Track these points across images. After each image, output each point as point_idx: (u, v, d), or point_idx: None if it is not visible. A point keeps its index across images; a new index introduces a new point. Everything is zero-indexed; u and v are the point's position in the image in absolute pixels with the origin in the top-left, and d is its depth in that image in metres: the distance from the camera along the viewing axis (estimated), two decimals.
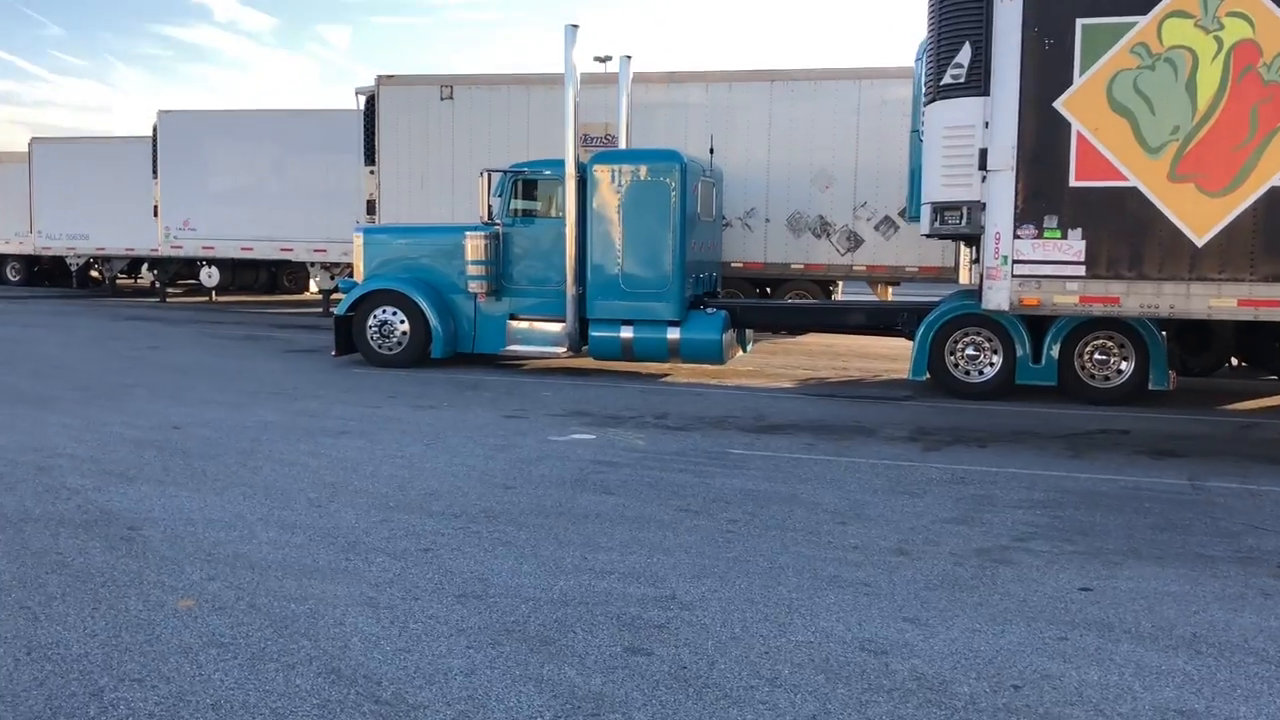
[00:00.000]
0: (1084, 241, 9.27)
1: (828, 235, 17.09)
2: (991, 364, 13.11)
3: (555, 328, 14.70)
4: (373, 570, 5.82)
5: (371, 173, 19.53)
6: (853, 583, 5.77)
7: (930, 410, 12.10)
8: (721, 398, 12.87)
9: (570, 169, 14.18)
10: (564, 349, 14.63)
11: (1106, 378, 12.75)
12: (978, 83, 9.62)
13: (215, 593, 5.39)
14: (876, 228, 16.91)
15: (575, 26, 14.29)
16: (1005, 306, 9.42)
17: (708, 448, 9.64)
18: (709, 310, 14.41)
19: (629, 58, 16.38)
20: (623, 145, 16.32)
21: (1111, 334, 12.58)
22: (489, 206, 14.61)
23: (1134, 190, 9.23)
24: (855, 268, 17.20)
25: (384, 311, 15.04)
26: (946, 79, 9.78)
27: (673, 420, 11.11)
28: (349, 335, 15.25)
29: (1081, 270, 9.31)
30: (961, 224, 9.77)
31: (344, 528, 6.66)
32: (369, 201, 19.64)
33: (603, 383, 13.88)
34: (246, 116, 24.49)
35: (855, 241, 16.99)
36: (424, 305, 14.82)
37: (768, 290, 18.90)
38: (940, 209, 9.91)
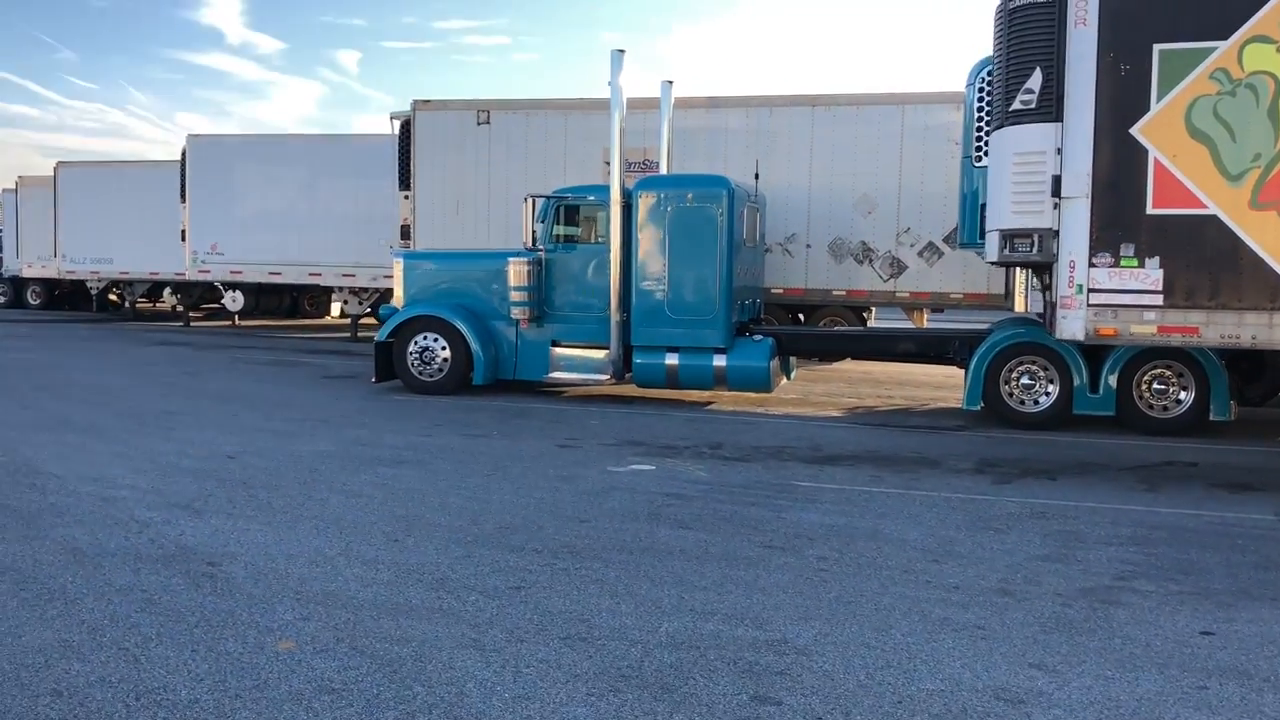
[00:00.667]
0: (1161, 270, 9.09)
1: (870, 261, 16.92)
2: (1047, 393, 12.90)
3: (599, 354, 14.52)
4: (468, 609, 5.62)
5: (406, 198, 19.44)
6: (965, 626, 5.55)
7: (988, 441, 11.88)
8: (773, 427, 12.67)
9: (616, 195, 14.04)
10: (608, 376, 14.45)
11: (1165, 407, 12.53)
12: (1049, 108, 9.46)
13: (313, 633, 5.20)
14: (920, 254, 16.75)
15: (622, 51, 14.20)
16: (1080, 336, 9.23)
17: (772, 480, 9.44)
18: (755, 337, 14.23)
19: (670, 83, 16.30)
20: (663, 170, 16.22)
21: (1170, 363, 12.37)
22: (533, 232, 14.46)
23: (1214, 218, 9.05)
24: (898, 294, 17.02)
25: (425, 338, 14.89)
26: (1016, 104, 9.63)
27: (729, 450, 10.91)
28: (389, 361, 15.08)
29: (1159, 300, 9.12)
30: (1032, 251, 9.59)
31: (428, 564, 6.47)
32: (403, 226, 19.55)
33: (648, 411, 13.70)
34: (276, 141, 24.49)
35: (898, 267, 16.82)
36: (466, 331, 14.67)
37: (800, 317, 18.72)
38: (1009, 236, 9.73)
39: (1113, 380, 12.51)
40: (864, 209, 16.89)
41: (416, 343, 14.92)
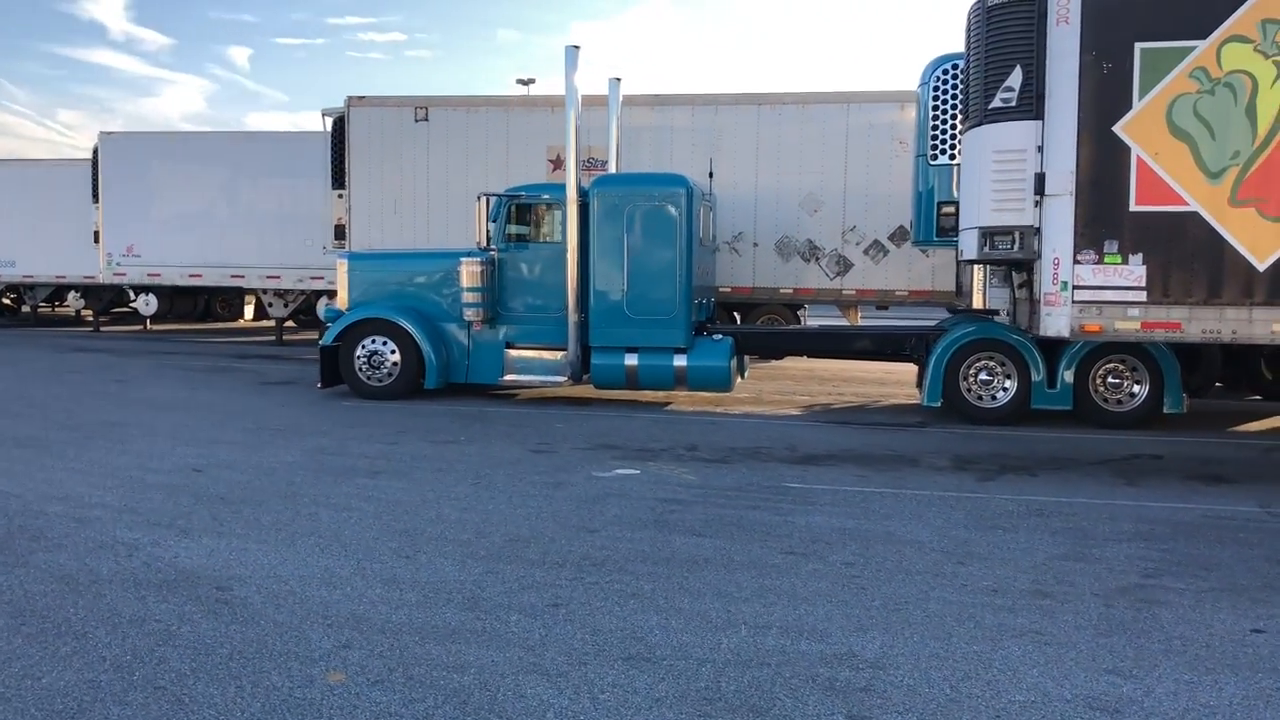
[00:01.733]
0: (1145, 267, 9.21)
1: (816, 259, 16.95)
2: (1005, 389, 13.06)
3: (555, 356, 14.26)
4: (514, 630, 5.36)
5: (340, 196, 18.86)
6: (1022, 631, 5.48)
7: (954, 437, 11.96)
8: (740, 427, 12.57)
9: (572, 193, 13.79)
10: (565, 378, 14.20)
11: (1120, 401, 12.78)
12: (1029, 106, 9.51)
13: (361, 663, 4.88)
14: (866, 251, 16.83)
15: (577, 48, 13.94)
16: (1066, 333, 9.30)
17: (761, 482, 9.32)
18: (715, 337, 14.12)
19: (618, 80, 16.09)
20: (612, 169, 16.01)
21: (1125, 357, 12.61)
22: (486, 232, 14.13)
23: (1195, 215, 9.20)
24: (845, 292, 17.09)
25: (373, 341, 14.45)
26: (996, 102, 9.66)
27: (706, 452, 10.77)
28: (335, 366, 14.59)
29: (1143, 296, 9.25)
30: (1013, 249, 9.63)
31: (451, 581, 6.17)
32: (338, 226, 18.97)
33: (609, 412, 13.48)
34: (195, 139, 23.62)
35: (844, 265, 16.88)
36: (417, 334, 14.27)
37: (735, 315, 18.68)
38: (989, 233, 9.76)
39: (1069, 375, 12.71)
40: (810, 207, 16.90)
41: (364, 346, 14.47)
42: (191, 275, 23.18)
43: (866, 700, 4.56)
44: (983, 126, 9.81)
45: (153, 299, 25.53)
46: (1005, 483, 9.50)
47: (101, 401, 13.91)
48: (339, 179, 18.93)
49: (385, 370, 14.42)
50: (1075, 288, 9.22)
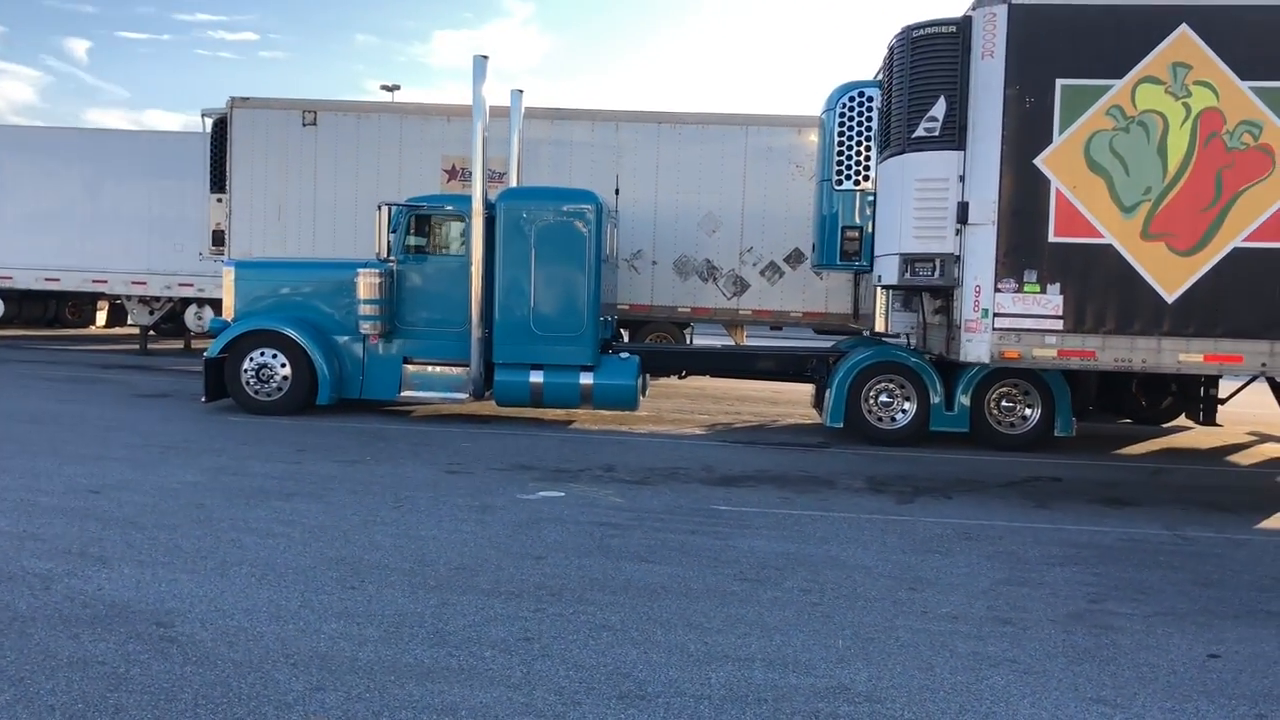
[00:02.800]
0: (1062, 297, 9.51)
1: (714, 279, 17.03)
2: (904, 411, 13.33)
3: (457, 372, 13.91)
4: (493, 668, 5.11)
5: (220, 200, 18.03)
6: (999, 660, 5.52)
7: (861, 458, 12.13)
8: (650, 446, 12.48)
9: (478, 205, 13.50)
10: (467, 395, 13.86)
11: (1012, 424, 13.20)
12: (952, 136, 9.73)
13: (341, 707, 4.56)
14: (762, 273, 16.99)
15: (485, 58, 13.66)
16: (986, 359, 9.52)
17: (689, 505, 9.24)
18: (622, 355, 14.01)
19: (521, 91, 15.86)
20: (512, 182, 15.75)
21: (1017, 381, 13.05)
22: (387, 243, 13.70)
23: (1109, 248, 9.55)
24: (741, 311, 17.21)
25: (262, 354, 13.83)
26: (920, 131, 9.85)
27: (624, 473, 10.64)
28: (220, 379, 13.91)
29: (1059, 325, 9.53)
30: (934, 275, 9.82)
31: (409, 614, 5.87)
32: (216, 232, 18.14)
33: (513, 430, 13.22)
34: (53, 134, 22.28)
35: (741, 286, 17.01)
36: (309, 347, 13.73)
37: (623, 333, 18.62)
38: (910, 260, 9.93)
39: (966, 399, 13.07)
40: (708, 227, 16.98)
41: (252, 359, 13.83)
42: (48, 279, 21.82)
43: None
44: (905, 155, 9.99)
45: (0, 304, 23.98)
46: (924, 505, 9.65)
47: None
48: (218, 182, 18.11)
49: (274, 384, 13.81)
50: (996, 315, 9.46)
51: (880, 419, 13.39)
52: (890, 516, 9.12)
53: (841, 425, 13.26)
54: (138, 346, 22.20)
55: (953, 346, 9.82)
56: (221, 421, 12.98)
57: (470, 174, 17.19)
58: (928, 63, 9.80)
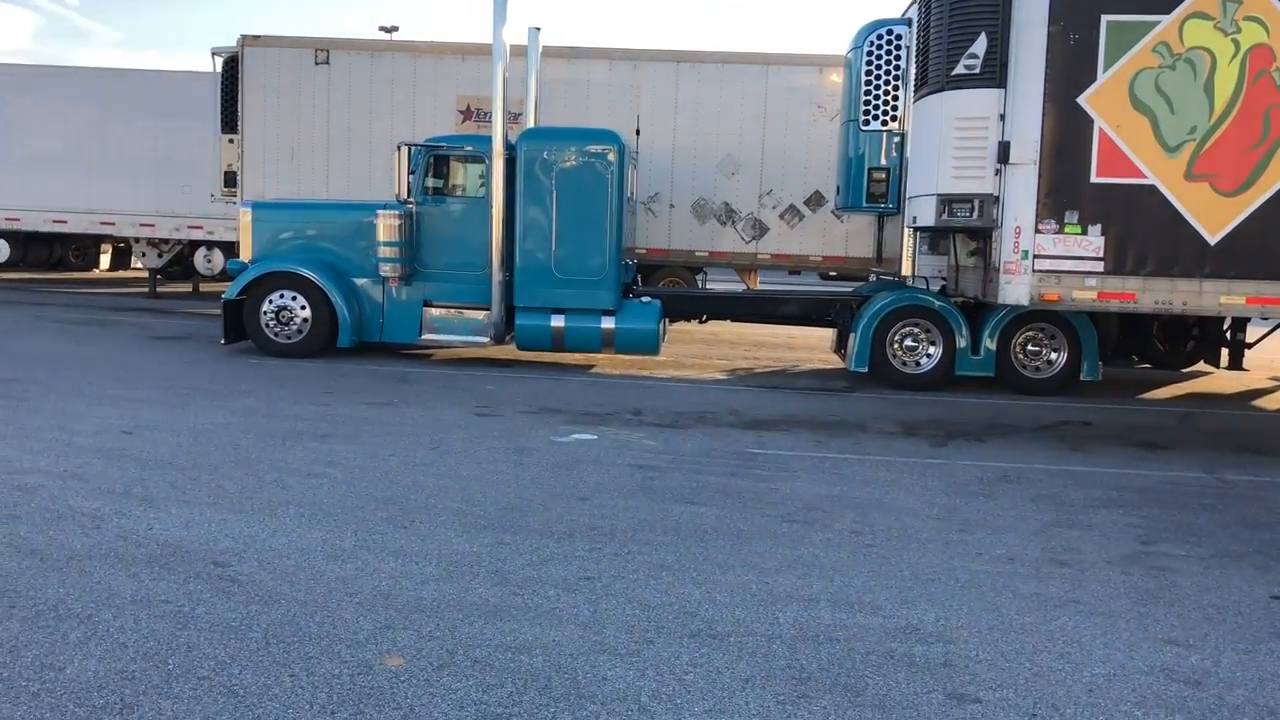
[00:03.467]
0: (1103, 238, 9.38)
1: (733, 223, 16.85)
2: (929, 355, 13.25)
3: (478, 315, 13.79)
4: (560, 606, 5.06)
5: (231, 141, 17.78)
6: (1063, 601, 5.49)
7: (889, 402, 12.07)
8: (676, 391, 12.42)
9: (499, 146, 13.27)
10: (488, 338, 13.74)
11: (1037, 368, 13.13)
12: (993, 74, 9.54)
13: (415, 646, 4.52)
14: (781, 216, 16.81)
15: None
16: (1025, 301, 9.42)
17: (724, 448, 9.17)
18: (644, 299, 13.88)
19: (538, 29, 15.56)
20: (529, 122, 15.50)
21: (1044, 325, 12.96)
22: (407, 184, 13.52)
23: (1152, 188, 9.40)
24: (760, 255, 17.05)
25: (282, 296, 13.70)
26: (960, 69, 9.66)
27: (653, 417, 10.57)
28: (239, 321, 13.79)
29: (1100, 266, 9.41)
30: (972, 216, 9.68)
31: (465, 553, 5.81)
32: (228, 173, 17.89)
33: (535, 375, 13.13)
34: (60, 73, 21.90)
35: (760, 230, 16.83)
36: (330, 289, 13.60)
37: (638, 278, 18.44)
38: (948, 201, 9.79)
39: (992, 343, 12.99)
40: (727, 170, 16.77)
41: (272, 301, 13.71)
42: (55, 221, 21.59)
43: (954, 676, 4.45)
44: (943, 93, 9.81)
45: (4, 246, 23.75)
46: (958, 449, 9.60)
47: None
48: (229, 123, 17.83)
49: (294, 327, 13.70)
50: (1036, 256, 9.33)
51: (905, 363, 13.32)
52: (927, 460, 9.07)
53: (866, 370, 13.17)
54: (147, 290, 22.01)
55: (990, 289, 9.71)
56: (243, 364, 12.88)
57: (486, 114, 17.01)
58: None
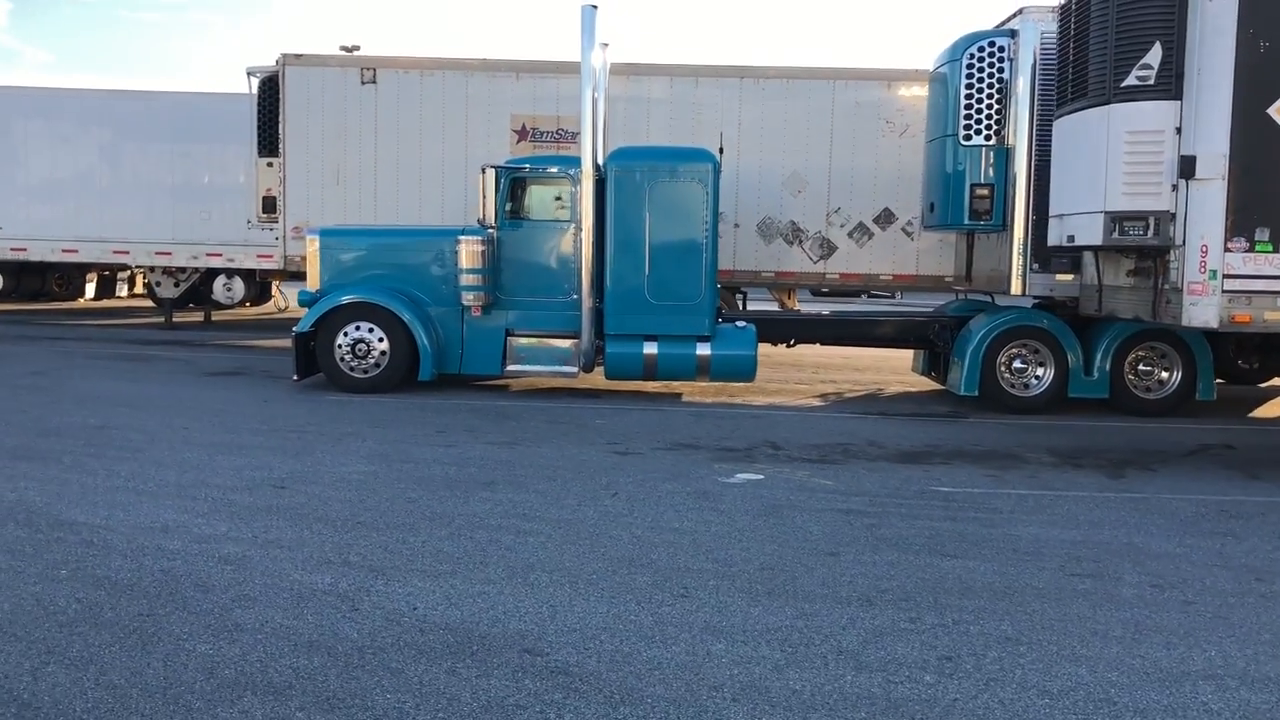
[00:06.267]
0: None
1: (800, 242, 16.31)
2: (1037, 377, 12.81)
3: (564, 344, 13.10)
4: (959, 698, 4.42)
5: (270, 165, 16.90)
6: None
7: (1012, 428, 11.61)
8: (789, 420, 11.87)
9: (588, 167, 12.62)
10: (577, 368, 13.04)
11: (1148, 388, 12.74)
12: (1168, 85, 9.08)
13: None
14: (850, 234, 16.29)
15: (594, 7, 12.73)
16: (1214, 323, 8.95)
17: (903, 487, 8.60)
18: (739, 324, 13.27)
19: (605, 46, 14.91)
20: (594, 143, 14.81)
21: (1155, 344, 12.58)
22: (495, 209, 12.83)
23: None
24: (828, 275, 16.52)
25: (358, 328, 12.91)
26: (1131, 80, 9.19)
27: (793, 450, 10.00)
28: (309, 355, 12.98)
29: None
30: (1147, 235, 9.21)
31: (781, 627, 5.17)
32: (267, 198, 17.00)
33: (628, 405, 12.49)
34: (69, 96, 20.79)
35: (828, 249, 16.30)
36: (409, 320, 12.82)
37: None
38: (1119, 219, 9.31)
39: (1107, 363, 12.57)
40: (794, 188, 16.23)
41: (347, 334, 12.91)
42: (65, 250, 20.48)
43: None
44: (1110, 106, 9.34)
45: None
46: (1139, 480, 9.13)
47: (39, 397, 11.83)
48: (268, 145, 16.95)
49: (372, 360, 12.91)
50: (1225, 277, 8.87)
51: (1013, 386, 12.85)
52: (1121, 494, 8.57)
53: (976, 394, 12.68)
54: (162, 320, 20.95)
55: (1168, 310, 9.24)
56: (324, 401, 12.07)
57: (543, 133, 16.37)
58: (1140, 7, 9.13)
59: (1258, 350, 14.32)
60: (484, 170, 12.81)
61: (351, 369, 12.90)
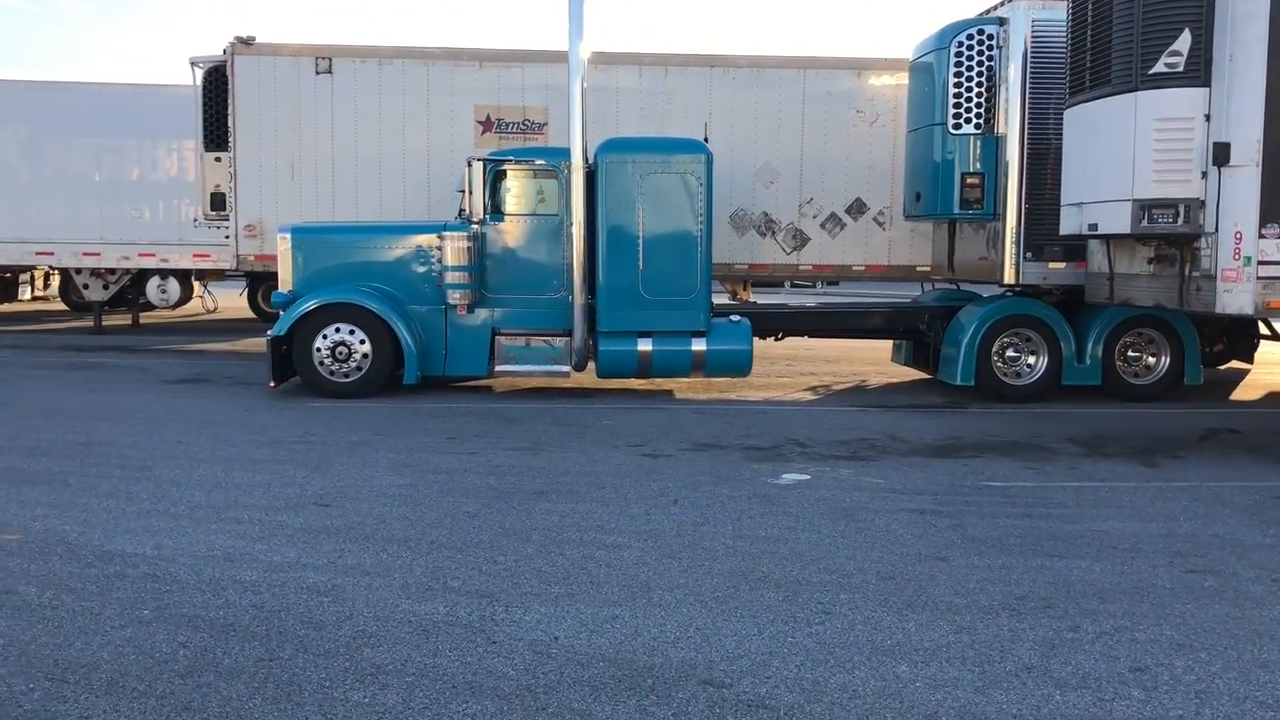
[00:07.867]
0: None
1: (773, 234, 16.10)
2: (1029, 365, 12.83)
3: (555, 342, 12.64)
4: (1186, 714, 4.19)
5: (218, 160, 16.02)
6: None
7: (1019, 417, 11.59)
8: (796, 415, 11.66)
9: (578, 159, 12.18)
10: (569, 367, 12.61)
11: (1136, 374, 12.87)
12: (1197, 72, 9.06)
13: None
14: (823, 225, 16.14)
15: None
16: (1249, 310, 8.98)
17: (954, 483, 8.44)
18: (733, 319, 13.00)
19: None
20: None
21: (1142, 330, 12.71)
22: (483, 203, 12.32)
23: None
24: (801, 267, 16.35)
25: (338, 330, 12.28)
26: (1159, 67, 9.15)
27: (820, 448, 9.78)
28: (285, 360, 12.31)
29: None
30: (1177, 223, 9.19)
31: (949, 644, 4.91)
32: (215, 195, 16.13)
33: (627, 404, 12.16)
34: None
35: (801, 240, 16.13)
36: (393, 321, 12.24)
37: None
38: (1148, 207, 9.27)
39: (1098, 350, 12.66)
40: (766, 179, 16.02)
41: (326, 336, 12.27)
42: None
43: None
44: (1137, 93, 9.29)
45: None
46: (1174, 468, 9.15)
47: (18, 414, 10.94)
48: (215, 139, 16.06)
49: (353, 364, 12.30)
50: (1260, 263, 8.90)
51: (1006, 374, 12.85)
52: (1172, 483, 8.56)
53: (972, 383, 12.64)
54: (91, 325, 19.78)
55: (1199, 297, 9.24)
56: (309, 409, 11.43)
57: (509, 124, 15.85)
58: None
59: (1224, 334, 14.62)
60: (470, 162, 12.29)
61: (332, 373, 12.26)
